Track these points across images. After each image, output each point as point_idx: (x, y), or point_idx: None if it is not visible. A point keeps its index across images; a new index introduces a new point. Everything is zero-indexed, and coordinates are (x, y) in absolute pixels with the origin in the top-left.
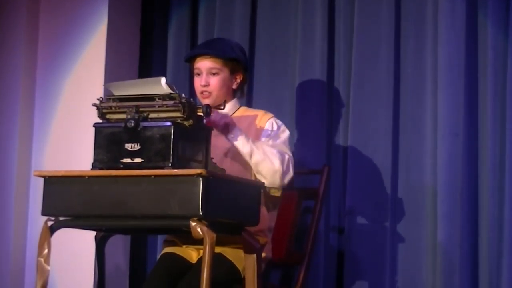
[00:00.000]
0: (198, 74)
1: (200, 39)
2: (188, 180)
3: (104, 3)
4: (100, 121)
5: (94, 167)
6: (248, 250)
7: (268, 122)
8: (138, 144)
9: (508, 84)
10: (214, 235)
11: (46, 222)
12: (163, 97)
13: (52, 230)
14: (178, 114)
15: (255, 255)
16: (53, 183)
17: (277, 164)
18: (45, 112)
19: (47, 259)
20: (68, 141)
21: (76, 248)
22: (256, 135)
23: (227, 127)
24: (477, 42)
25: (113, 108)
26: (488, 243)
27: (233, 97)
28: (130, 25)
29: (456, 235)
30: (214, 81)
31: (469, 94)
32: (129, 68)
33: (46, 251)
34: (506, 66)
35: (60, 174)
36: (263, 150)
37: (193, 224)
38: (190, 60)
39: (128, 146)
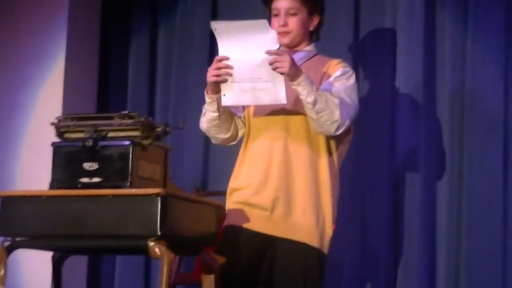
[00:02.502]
0: (276, 15)
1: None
2: (147, 200)
3: (63, 22)
4: (59, 140)
5: (52, 186)
6: (206, 270)
7: (338, 70)
8: (97, 163)
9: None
10: (173, 255)
11: (2, 243)
12: (122, 116)
13: (9, 250)
14: (137, 133)
15: (213, 276)
16: (10, 203)
17: (337, 115)
18: (2, 132)
19: (3, 281)
20: (26, 161)
21: (32, 269)
22: (320, 80)
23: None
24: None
25: (71, 127)
26: None
27: (310, 41)
28: (89, 44)
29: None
30: (293, 21)
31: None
32: (89, 86)
33: (2, 272)
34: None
35: (17, 193)
36: (326, 98)
37: (151, 244)
38: (267, 1)
39: (86, 165)
